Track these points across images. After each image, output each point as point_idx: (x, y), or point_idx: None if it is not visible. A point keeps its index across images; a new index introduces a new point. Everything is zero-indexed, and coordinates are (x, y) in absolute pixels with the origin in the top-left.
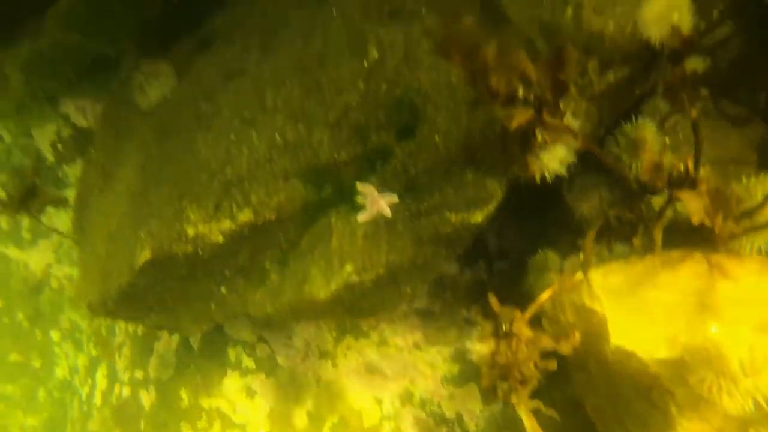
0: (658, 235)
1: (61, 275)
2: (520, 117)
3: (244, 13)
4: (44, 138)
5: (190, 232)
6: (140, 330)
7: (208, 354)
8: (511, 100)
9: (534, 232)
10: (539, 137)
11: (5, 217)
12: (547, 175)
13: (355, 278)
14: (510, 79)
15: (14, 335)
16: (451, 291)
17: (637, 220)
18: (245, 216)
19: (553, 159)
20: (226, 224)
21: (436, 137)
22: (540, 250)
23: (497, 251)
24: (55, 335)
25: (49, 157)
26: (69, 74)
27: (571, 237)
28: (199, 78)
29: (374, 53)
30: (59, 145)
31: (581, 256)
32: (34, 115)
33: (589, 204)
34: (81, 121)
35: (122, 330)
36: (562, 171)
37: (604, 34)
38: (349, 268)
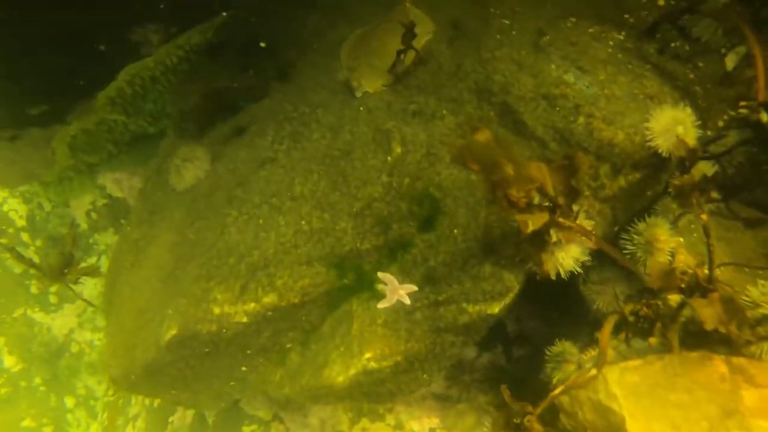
0: (675, 337)
1: (81, 340)
2: (536, 222)
3: (276, 105)
4: (80, 207)
5: (216, 311)
6: (156, 402)
7: (221, 429)
8: (527, 206)
9: (553, 320)
10: (554, 237)
11: (34, 281)
12: (561, 272)
13: (373, 365)
14: (528, 191)
15: (30, 400)
16: (469, 374)
17: (654, 316)
18: (270, 299)
19: (567, 257)
20: (251, 306)
21: (455, 230)
22: (558, 341)
23: (516, 336)
24: (69, 401)
25: (83, 224)
26: (110, 149)
27: (588, 329)
28: (232, 164)
29: (398, 149)
30: (93, 214)
31: (597, 350)
32: (74, 186)
33: (604, 298)
34: (116, 192)
35: (138, 401)
36: (577, 268)
37: (614, 143)
38: (368, 354)
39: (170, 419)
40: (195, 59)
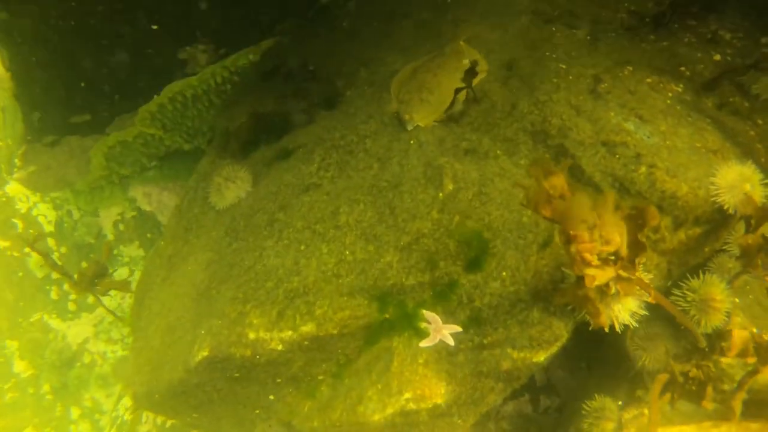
0: (738, 406)
1: (95, 351)
2: (602, 277)
3: (323, 131)
4: (109, 217)
5: (251, 336)
6: (169, 423)
7: None
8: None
9: (581, 373)
10: (612, 289)
11: (55, 287)
12: (616, 325)
13: (412, 406)
14: (602, 249)
15: (35, 407)
16: (495, 422)
17: (705, 378)
18: (308, 328)
19: (623, 310)
20: (288, 334)
21: (504, 273)
22: (596, 396)
23: (543, 386)
24: (75, 412)
25: (110, 235)
26: (143, 162)
27: (627, 386)
28: (275, 186)
29: (450, 186)
30: (121, 226)
31: (645, 411)
32: (105, 196)
33: (652, 355)
34: (145, 206)
35: (150, 419)
36: (633, 322)
37: (678, 195)
38: (407, 394)
39: None
40: (241, 82)
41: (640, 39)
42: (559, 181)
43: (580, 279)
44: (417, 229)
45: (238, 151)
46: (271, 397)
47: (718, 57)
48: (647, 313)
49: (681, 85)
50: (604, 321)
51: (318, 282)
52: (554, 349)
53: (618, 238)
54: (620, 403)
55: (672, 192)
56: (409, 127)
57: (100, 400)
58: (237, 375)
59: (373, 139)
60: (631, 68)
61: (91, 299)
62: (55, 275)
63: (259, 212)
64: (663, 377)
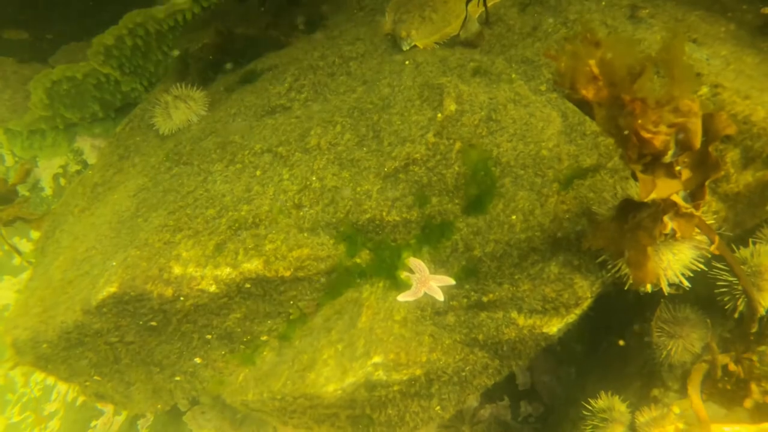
0: None
1: None
2: (663, 189)
3: (301, 53)
4: (49, 168)
5: (177, 271)
6: (80, 400)
7: None
8: (654, 162)
9: (570, 378)
10: (668, 226)
11: None
12: (664, 282)
13: (381, 375)
14: (670, 131)
15: None
16: (469, 426)
17: (746, 374)
18: (252, 265)
19: (675, 262)
20: (225, 271)
21: (513, 216)
22: (603, 395)
23: (526, 390)
24: None
25: (48, 189)
26: (95, 108)
27: (642, 383)
28: (234, 108)
29: (451, 106)
30: (62, 180)
31: (665, 410)
32: (47, 144)
33: (681, 344)
34: (93, 160)
35: (60, 396)
36: (683, 281)
37: (752, 120)
38: (377, 359)
39: (93, 423)
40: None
41: None
42: (606, 56)
43: (625, 206)
44: (407, 154)
45: (197, 76)
46: (198, 360)
47: (766, 10)
48: (706, 269)
49: (733, 25)
50: (650, 275)
51: (273, 212)
52: (572, 317)
53: (697, 111)
54: (631, 402)
55: (745, 116)
56: (405, 47)
57: (15, 378)
58: (153, 324)
59: (360, 62)
60: (673, 2)
61: (17, 260)
62: None
63: (211, 135)
64: (702, 366)
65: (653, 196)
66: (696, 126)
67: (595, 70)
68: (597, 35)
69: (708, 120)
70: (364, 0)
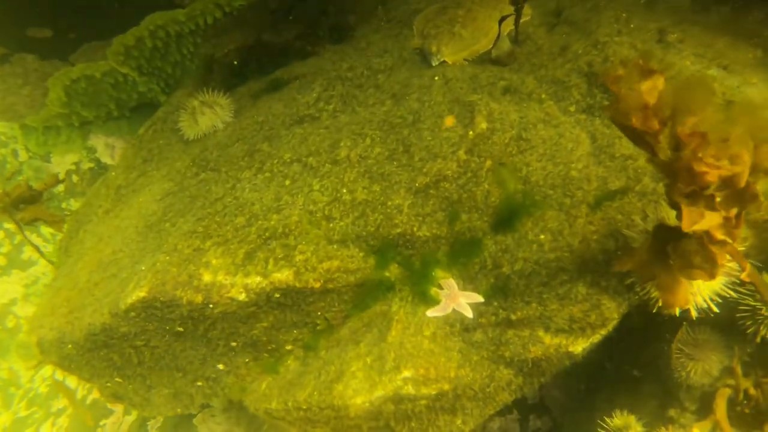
0: None
1: (22, 315)
2: (705, 222)
3: (328, 63)
4: (62, 165)
5: (206, 278)
6: (90, 398)
7: None
8: (697, 195)
9: (579, 394)
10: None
11: None
12: (692, 307)
13: (410, 389)
14: (720, 166)
15: None
16: None
17: (765, 401)
18: (282, 275)
19: (706, 287)
20: (255, 280)
21: (542, 236)
22: (618, 413)
23: (535, 404)
24: None
25: (60, 186)
26: (110, 107)
27: (658, 404)
28: (261, 117)
29: (483, 124)
30: (74, 177)
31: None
32: (61, 140)
33: (700, 366)
34: (106, 159)
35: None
36: (712, 306)
37: None
38: (407, 373)
39: (102, 422)
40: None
41: (700, 7)
42: (659, 85)
43: (659, 232)
44: (437, 171)
45: (221, 82)
46: (221, 366)
47: None
48: (735, 295)
49: (759, 51)
50: (680, 299)
51: (303, 223)
52: (597, 337)
53: (748, 156)
54: (646, 422)
55: None
56: (435, 62)
57: (19, 371)
58: (180, 329)
59: (388, 75)
60: (699, 27)
61: (26, 254)
62: None
63: (238, 142)
64: (725, 391)
65: (696, 228)
66: (744, 166)
67: (647, 99)
68: (651, 63)
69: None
70: (391, 12)
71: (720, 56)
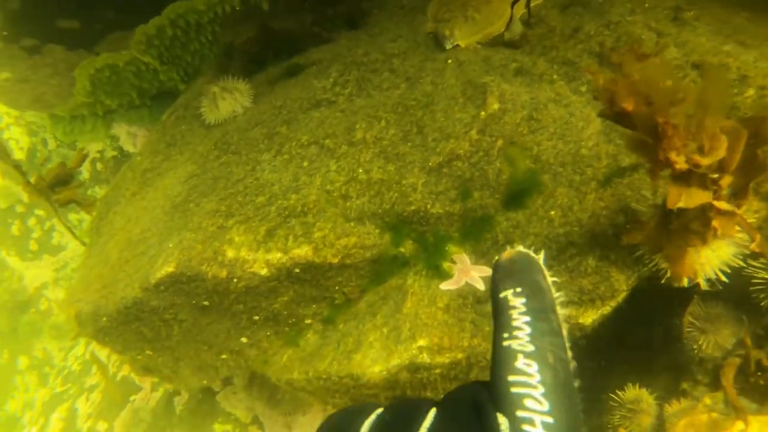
0: None
1: (53, 298)
2: (691, 199)
3: (343, 49)
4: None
5: (230, 254)
6: (120, 374)
7: (189, 422)
8: (687, 174)
9: (592, 371)
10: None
11: (18, 221)
12: (701, 277)
13: (425, 358)
14: (701, 146)
15: None
16: None
17: None
18: (302, 251)
19: (714, 257)
20: (276, 256)
21: (552, 212)
22: (630, 386)
23: None
24: (23, 362)
25: (85, 173)
26: (132, 96)
27: (671, 377)
28: (279, 101)
29: (495, 105)
30: (99, 164)
31: (695, 402)
32: (86, 129)
33: (713, 339)
34: (128, 146)
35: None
36: (721, 275)
37: None
38: (422, 342)
39: (132, 398)
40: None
41: None
42: (655, 63)
43: (663, 211)
44: (450, 150)
45: (240, 69)
46: (244, 339)
47: None
48: (744, 265)
49: None
50: (687, 270)
51: (320, 202)
52: (607, 308)
53: (723, 146)
54: (659, 394)
55: None
56: (448, 46)
57: (53, 352)
58: (206, 303)
59: (402, 59)
60: (718, 4)
61: (55, 239)
62: (20, 209)
63: (258, 126)
64: (735, 361)
65: (680, 205)
66: (726, 161)
67: (639, 85)
68: (642, 48)
69: (758, 123)
70: None
71: (737, 32)
